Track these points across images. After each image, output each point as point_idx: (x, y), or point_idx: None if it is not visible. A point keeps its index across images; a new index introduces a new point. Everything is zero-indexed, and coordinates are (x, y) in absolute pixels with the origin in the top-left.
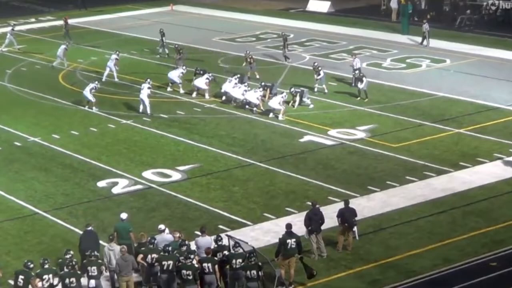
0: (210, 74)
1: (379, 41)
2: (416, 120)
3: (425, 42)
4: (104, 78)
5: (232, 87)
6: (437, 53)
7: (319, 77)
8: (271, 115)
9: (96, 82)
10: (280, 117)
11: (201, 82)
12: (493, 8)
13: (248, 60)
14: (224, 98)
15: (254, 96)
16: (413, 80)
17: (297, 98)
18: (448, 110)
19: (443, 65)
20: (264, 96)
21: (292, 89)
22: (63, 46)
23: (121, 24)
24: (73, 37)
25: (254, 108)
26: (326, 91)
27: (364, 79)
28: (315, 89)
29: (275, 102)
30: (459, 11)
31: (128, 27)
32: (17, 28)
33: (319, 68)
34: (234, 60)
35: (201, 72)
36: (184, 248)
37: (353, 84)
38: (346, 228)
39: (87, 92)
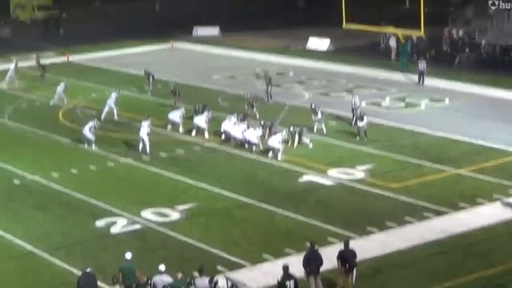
0: (210, 112)
1: (378, 80)
2: (415, 160)
3: (421, 81)
4: (103, 116)
5: (232, 126)
6: (436, 92)
7: (317, 117)
8: (270, 154)
9: (95, 121)
10: (280, 156)
11: (200, 120)
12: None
13: (251, 102)
14: (223, 137)
15: (253, 135)
16: (412, 119)
17: (296, 137)
18: (448, 150)
19: (442, 104)
20: (263, 135)
21: (292, 129)
22: (62, 84)
23: (122, 61)
24: (74, 74)
25: (254, 147)
26: (325, 131)
27: (364, 117)
28: (315, 129)
29: (275, 141)
30: (458, 50)
31: (128, 64)
32: (18, 64)
33: (317, 109)
34: (234, 98)
35: (200, 109)
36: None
37: (353, 123)
38: (347, 270)
39: (86, 131)
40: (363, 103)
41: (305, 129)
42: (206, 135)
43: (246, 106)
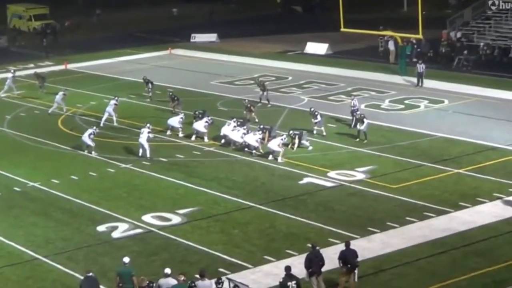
0: (209, 117)
1: (377, 83)
2: (415, 161)
3: (420, 83)
4: (102, 123)
5: (231, 130)
6: (435, 93)
7: (316, 120)
8: (270, 157)
9: (95, 127)
10: (279, 159)
11: (200, 125)
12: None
13: (249, 107)
14: (223, 141)
15: (253, 138)
16: (412, 121)
17: (296, 141)
18: (447, 151)
19: (441, 105)
20: (263, 138)
21: (291, 132)
22: (61, 92)
23: (120, 69)
24: (72, 82)
25: (253, 151)
26: (324, 133)
27: (365, 120)
28: (314, 132)
29: (274, 144)
30: (457, 52)
31: (127, 71)
32: (16, 73)
33: (316, 113)
34: (233, 103)
35: (200, 115)
36: None
37: (352, 126)
38: (348, 270)
39: (86, 138)
40: (363, 106)
41: (305, 132)
42: (206, 139)
43: (244, 111)
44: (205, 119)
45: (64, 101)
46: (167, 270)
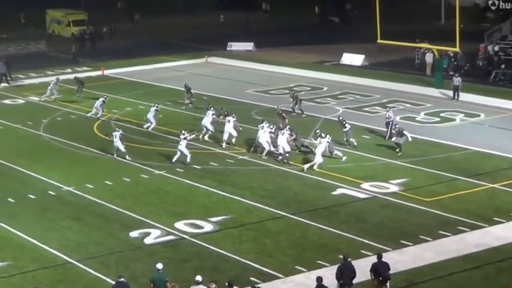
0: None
1: (413, 95)
2: (449, 174)
3: (456, 96)
4: (150, 129)
5: (263, 134)
6: (471, 107)
7: (345, 129)
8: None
9: (118, 130)
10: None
11: (230, 127)
12: None
13: (281, 113)
14: (255, 148)
15: (285, 142)
16: (447, 134)
17: (320, 140)
18: (482, 165)
19: (477, 119)
20: (294, 139)
21: (318, 131)
22: (101, 99)
23: (156, 75)
24: (109, 88)
25: (287, 154)
26: (355, 143)
27: (404, 133)
28: (345, 141)
29: (319, 151)
30: (494, 66)
31: (163, 78)
32: (53, 78)
33: (344, 122)
34: (268, 112)
35: (224, 114)
36: None
37: (387, 137)
38: (380, 282)
39: (118, 142)
40: (398, 118)
41: (332, 142)
42: (224, 145)
43: (278, 119)
44: (232, 120)
45: (103, 107)
46: (198, 278)
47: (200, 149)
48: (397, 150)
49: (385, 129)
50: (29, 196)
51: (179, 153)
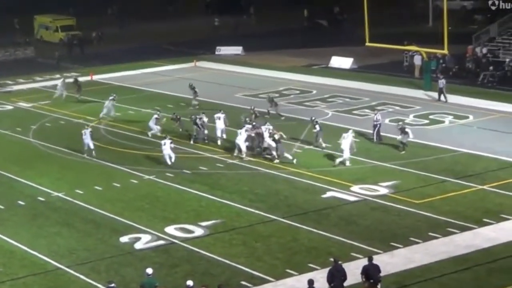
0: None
1: (402, 97)
2: (439, 176)
3: (442, 98)
4: (150, 134)
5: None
6: (460, 109)
7: (315, 130)
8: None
9: (88, 127)
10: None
11: (221, 124)
12: None
13: (252, 113)
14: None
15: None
16: (436, 136)
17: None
18: (472, 166)
19: (466, 121)
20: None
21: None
22: (110, 98)
23: (145, 80)
24: (98, 93)
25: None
26: (323, 145)
27: (407, 130)
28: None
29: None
30: (482, 68)
31: (152, 83)
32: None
33: (316, 123)
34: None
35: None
36: None
37: (375, 140)
38: (371, 285)
39: (88, 139)
40: (387, 120)
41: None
42: (219, 142)
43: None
44: (222, 117)
45: (114, 106)
46: (189, 282)
47: (190, 153)
48: (400, 148)
49: (372, 131)
50: (19, 202)
51: (167, 155)
